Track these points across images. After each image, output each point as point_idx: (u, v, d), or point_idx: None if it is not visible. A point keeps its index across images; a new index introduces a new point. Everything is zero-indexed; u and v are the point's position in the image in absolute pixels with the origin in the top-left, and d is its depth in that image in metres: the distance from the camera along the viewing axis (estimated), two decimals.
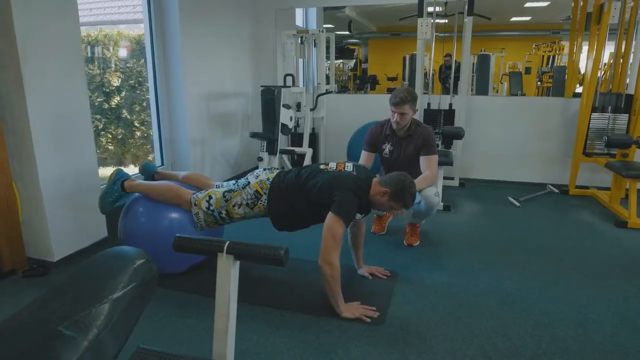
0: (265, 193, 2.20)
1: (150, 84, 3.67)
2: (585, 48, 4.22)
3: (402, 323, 1.99)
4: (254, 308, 2.10)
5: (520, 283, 2.38)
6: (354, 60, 12.11)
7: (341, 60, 11.65)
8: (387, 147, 2.83)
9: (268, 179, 2.23)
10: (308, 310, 2.08)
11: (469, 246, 2.90)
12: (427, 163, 2.71)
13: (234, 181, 2.35)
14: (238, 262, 1.20)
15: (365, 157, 2.89)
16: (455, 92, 4.45)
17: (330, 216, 1.96)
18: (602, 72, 4.00)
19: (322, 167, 2.19)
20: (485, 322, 2.00)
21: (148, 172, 2.70)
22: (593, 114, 3.93)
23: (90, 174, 2.76)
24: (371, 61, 13.17)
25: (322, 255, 1.94)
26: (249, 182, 2.25)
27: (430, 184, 2.65)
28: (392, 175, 2.13)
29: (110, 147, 4.19)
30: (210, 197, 2.25)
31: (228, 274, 1.18)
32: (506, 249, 2.85)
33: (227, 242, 1.18)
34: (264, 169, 2.32)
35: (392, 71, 11.97)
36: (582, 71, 4.26)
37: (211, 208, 2.24)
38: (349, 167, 2.17)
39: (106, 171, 4.17)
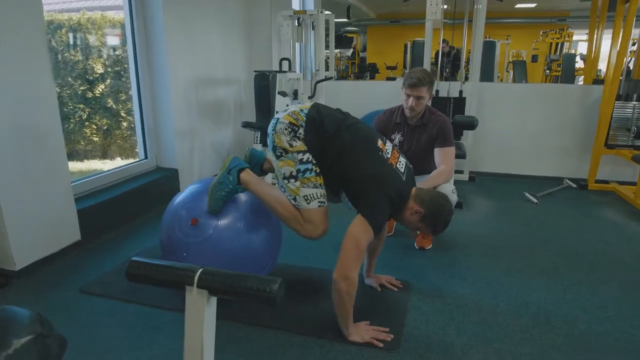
0: (301, 125, 1.69)
1: (132, 69, 3.32)
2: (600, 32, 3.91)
3: (420, 348, 1.67)
4: (242, 328, 1.76)
5: (552, 295, 2.07)
6: (352, 50, 11.75)
7: (339, 50, 11.29)
8: (396, 138, 2.50)
9: (302, 110, 1.74)
10: (309, 332, 1.75)
11: (487, 249, 2.59)
12: (443, 156, 2.38)
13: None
14: (215, 299, 0.87)
15: None
16: (454, 79, 4.14)
17: (359, 222, 1.60)
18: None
19: (379, 143, 1.72)
20: (519, 346, 1.69)
21: (256, 161, 2.09)
22: (617, 102, 3.61)
23: (58, 170, 2.41)
24: (370, 49, 12.81)
25: (340, 268, 1.59)
26: (278, 119, 1.74)
27: (447, 179, 2.33)
28: (433, 195, 1.76)
29: (95, 139, 3.89)
30: (284, 172, 1.71)
31: (201, 315, 0.85)
32: (529, 253, 2.54)
33: (200, 270, 0.85)
34: (292, 104, 1.86)
35: (392, 59, 11.61)
36: (605, 56, 3.91)
37: (293, 174, 1.69)
38: (402, 166, 1.75)
39: (94, 165, 3.85)
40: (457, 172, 4.03)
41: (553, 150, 4.15)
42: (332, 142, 1.69)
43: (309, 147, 1.69)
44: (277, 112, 1.84)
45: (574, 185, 3.89)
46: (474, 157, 4.19)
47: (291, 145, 1.69)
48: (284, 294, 0.82)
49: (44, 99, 2.29)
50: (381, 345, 1.65)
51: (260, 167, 2.12)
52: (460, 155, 3.34)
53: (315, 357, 1.62)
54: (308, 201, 1.68)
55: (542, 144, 4.15)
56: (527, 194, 3.57)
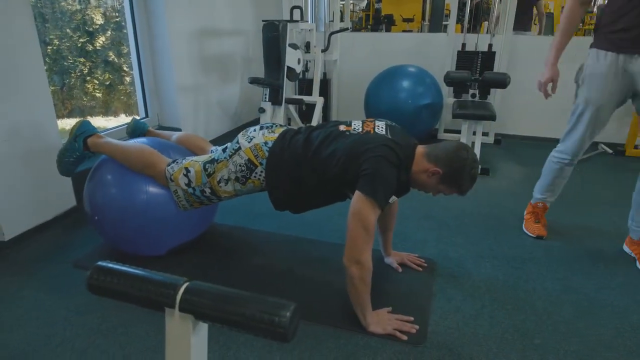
0: (261, 163, 1.62)
1: (128, 20, 3.01)
2: None
3: (449, 342, 1.47)
4: None
5: (595, 280, 1.84)
6: (366, 1, 11.01)
7: (352, 1, 10.58)
8: None
9: (265, 142, 1.63)
10: (323, 320, 1.56)
11: (518, 223, 2.35)
12: None
13: (223, 146, 1.77)
14: (206, 326, 0.65)
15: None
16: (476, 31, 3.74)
17: (358, 198, 1.38)
18: None
19: (342, 128, 1.57)
20: (563, 342, 1.48)
21: (138, 133, 2.15)
22: None
23: (46, 128, 2.19)
24: (385, 0, 12.02)
25: (349, 252, 1.39)
26: (239, 147, 1.66)
27: None
28: (448, 148, 1.50)
29: (97, 95, 3.68)
30: (188, 171, 1.70)
31: (185, 347, 0.63)
32: (565, 230, 2.30)
33: (184, 287, 0.62)
34: (261, 127, 1.71)
35: (408, 11, 10.88)
36: None
37: (192, 185, 1.71)
38: (381, 127, 1.55)
39: (97, 122, 3.65)
40: (482, 134, 3.73)
41: None
42: (304, 161, 1.56)
43: (270, 187, 1.64)
44: (247, 130, 1.75)
45: (610, 151, 3.58)
46: (501, 118, 3.84)
47: (218, 183, 1.68)
48: (298, 324, 0.59)
49: (24, 43, 2.02)
50: (405, 338, 1.46)
51: None
52: (491, 117, 3.03)
53: (330, 350, 1.43)
54: (186, 185, 1.71)
55: None
56: None
